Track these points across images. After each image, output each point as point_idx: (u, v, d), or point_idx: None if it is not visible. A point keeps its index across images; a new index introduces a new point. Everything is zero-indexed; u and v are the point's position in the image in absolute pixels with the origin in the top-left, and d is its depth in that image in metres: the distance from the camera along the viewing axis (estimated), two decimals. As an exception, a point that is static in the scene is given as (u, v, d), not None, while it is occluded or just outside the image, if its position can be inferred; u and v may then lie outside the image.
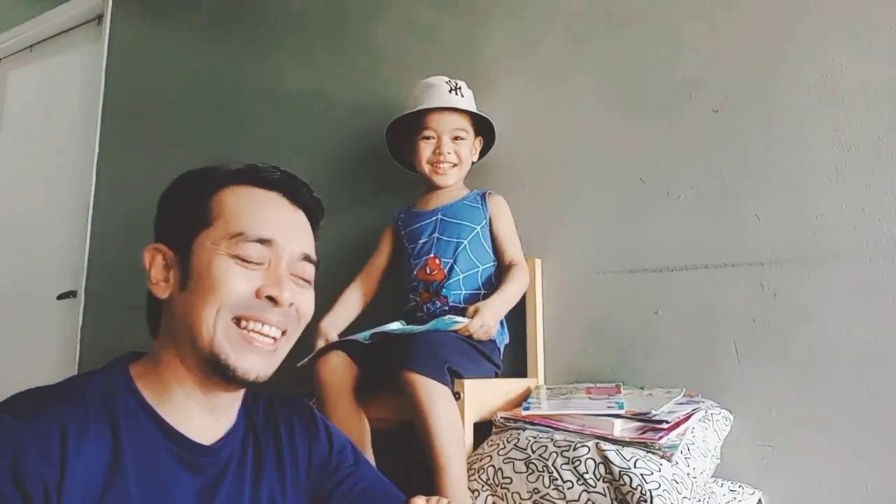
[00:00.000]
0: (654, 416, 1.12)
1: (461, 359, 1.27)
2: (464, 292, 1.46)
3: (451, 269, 1.47)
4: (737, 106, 1.41)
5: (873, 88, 1.28)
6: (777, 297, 1.32)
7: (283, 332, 0.76)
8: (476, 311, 1.33)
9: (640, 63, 1.54)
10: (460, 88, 1.57)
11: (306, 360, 1.31)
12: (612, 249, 1.51)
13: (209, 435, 0.75)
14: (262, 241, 0.74)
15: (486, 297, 1.44)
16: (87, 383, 0.70)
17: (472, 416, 1.25)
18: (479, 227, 1.50)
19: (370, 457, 1.27)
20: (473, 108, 1.55)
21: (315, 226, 0.84)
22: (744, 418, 1.30)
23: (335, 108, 2.03)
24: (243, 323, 0.73)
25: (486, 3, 1.78)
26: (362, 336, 1.34)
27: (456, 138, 1.53)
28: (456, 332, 1.30)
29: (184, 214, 0.77)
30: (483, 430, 1.27)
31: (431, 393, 1.16)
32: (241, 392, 0.80)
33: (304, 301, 0.78)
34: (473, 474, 1.15)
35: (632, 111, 1.53)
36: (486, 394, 1.32)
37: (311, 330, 1.61)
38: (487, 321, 1.33)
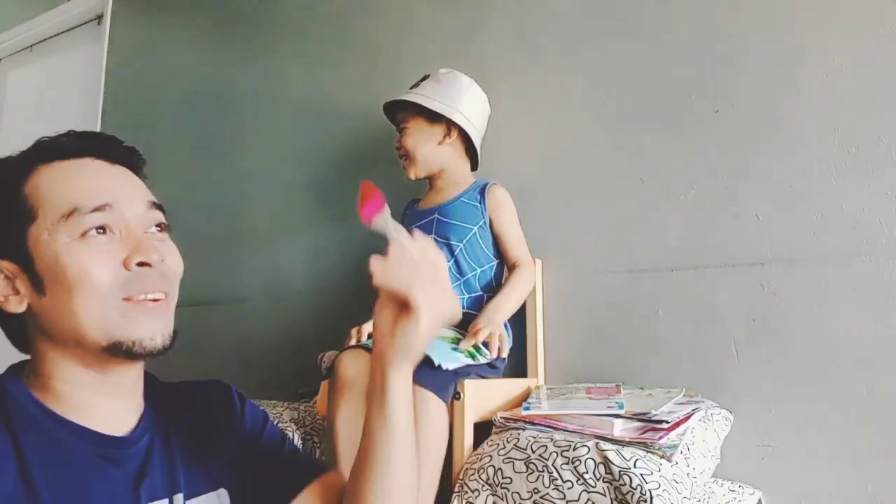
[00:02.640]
0: (654, 416, 1.12)
1: (468, 368, 1.29)
2: (467, 296, 1.45)
3: (451, 272, 1.45)
4: (737, 106, 1.41)
5: (873, 88, 1.28)
6: (777, 297, 1.32)
7: (166, 294, 0.72)
8: (478, 331, 1.30)
9: (641, 63, 1.53)
10: (428, 77, 1.55)
11: (334, 355, 1.33)
12: (612, 249, 1.51)
13: (121, 424, 0.73)
14: (99, 209, 0.68)
15: (488, 300, 1.43)
16: None
17: (472, 416, 1.25)
18: (476, 228, 1.46)
19: None
20: (410, 97, 1.51)
21: (141, 176, 0.77)
22: (744, 418, 1.30)
23: (336, 108, 2.02)
24: (131, 299, 0.69)
25: (486, 3, 1.78)
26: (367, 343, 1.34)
27: (402, 130, 1.53)
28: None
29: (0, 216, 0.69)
30: (483, 430, 1.27)
31: (426, 404, 1.19)
32: (142, 368, 0.76)
33: (171, 254, 0.74)
34: (473, 474, 1.15)
35: (632, 111, 1.53)
36: (486, 394, 1.32)
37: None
38: (496, 332, 1.30)
